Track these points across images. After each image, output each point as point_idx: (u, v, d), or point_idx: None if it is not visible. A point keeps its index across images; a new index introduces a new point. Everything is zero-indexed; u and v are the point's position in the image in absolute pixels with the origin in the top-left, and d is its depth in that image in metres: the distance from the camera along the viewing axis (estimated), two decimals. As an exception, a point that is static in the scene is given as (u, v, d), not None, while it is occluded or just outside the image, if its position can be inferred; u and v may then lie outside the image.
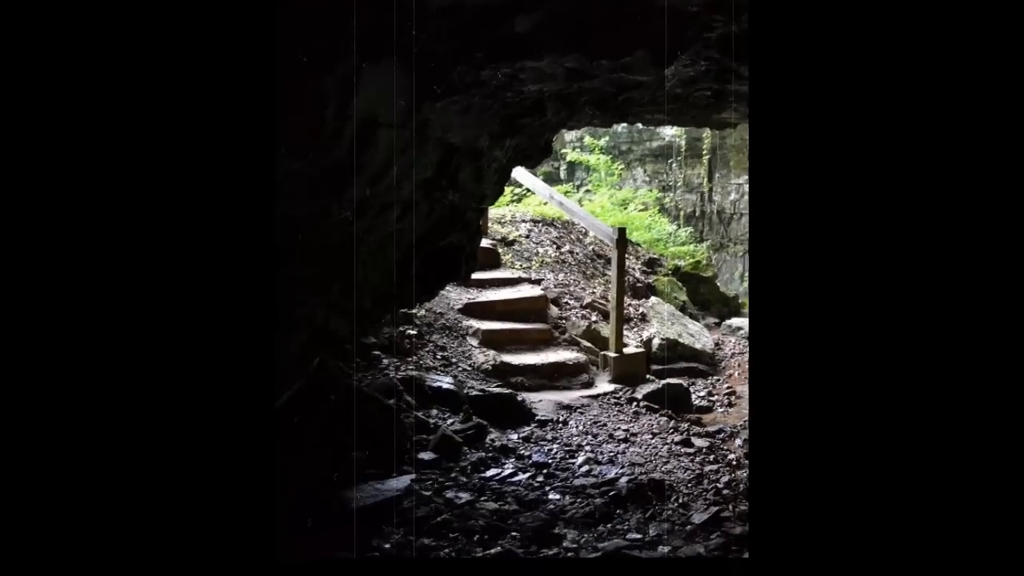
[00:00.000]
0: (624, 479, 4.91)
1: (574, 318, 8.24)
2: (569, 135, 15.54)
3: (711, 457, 5.59)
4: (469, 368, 6.67)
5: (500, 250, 9.12)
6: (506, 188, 8.98)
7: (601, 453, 5.51)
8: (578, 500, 4.63)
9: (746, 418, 6.82)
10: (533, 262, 9.28)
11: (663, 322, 8.69)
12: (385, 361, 6.14)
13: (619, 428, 6.09)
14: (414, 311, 6.85)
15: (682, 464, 5.39)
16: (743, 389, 7.76)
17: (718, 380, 8.08)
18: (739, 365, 8.65)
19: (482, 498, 4.56)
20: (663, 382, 7.23)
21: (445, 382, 6.07)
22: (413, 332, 6.80)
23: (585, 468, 5.18)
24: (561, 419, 6.19)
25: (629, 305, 8.73)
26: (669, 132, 16.83)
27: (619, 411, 6.55)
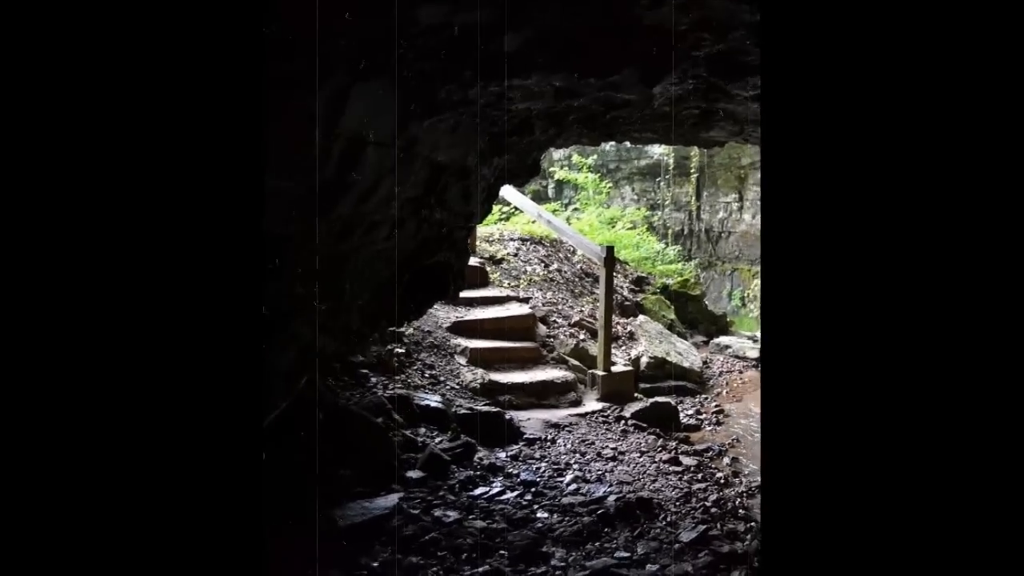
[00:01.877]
0: (612, 497, 4.91)
1: (562, 336, 8.25)
2: (557, 154, 15.62)
3: (699, 475, 5.60)
4: (457, 386, 6.66)
5: (488, 268, 9.14)
6: (494, 207, 9.03)
7: (589, 471, 5.50)
8: (566, 518, 4.62)
9: (734, 436, 6.85)
10: (521, 281, 9.29)
11: (651, 340, 8.71)
12: (373, 379, 6.12)
13: (607, 446, 6.09)
14: (402, 329, 6.85)
15: (670, 482, 5.39)
16: (731, 407, 7.78)
17: (706, 398, 8.09)
18: (727, 383, 8.67)
19: (470, 516, 4.54)
20: (651, 400, 7.23)
21: (433, 400, 6.06)
22: (401, 350, 6.79)
23: (573, 486, 5.17)
24: (549, 437, 6.18)
25: (617, 323, 8.75)
26: (657, 151, 16.96)
27: (607, 429, 6.54)
